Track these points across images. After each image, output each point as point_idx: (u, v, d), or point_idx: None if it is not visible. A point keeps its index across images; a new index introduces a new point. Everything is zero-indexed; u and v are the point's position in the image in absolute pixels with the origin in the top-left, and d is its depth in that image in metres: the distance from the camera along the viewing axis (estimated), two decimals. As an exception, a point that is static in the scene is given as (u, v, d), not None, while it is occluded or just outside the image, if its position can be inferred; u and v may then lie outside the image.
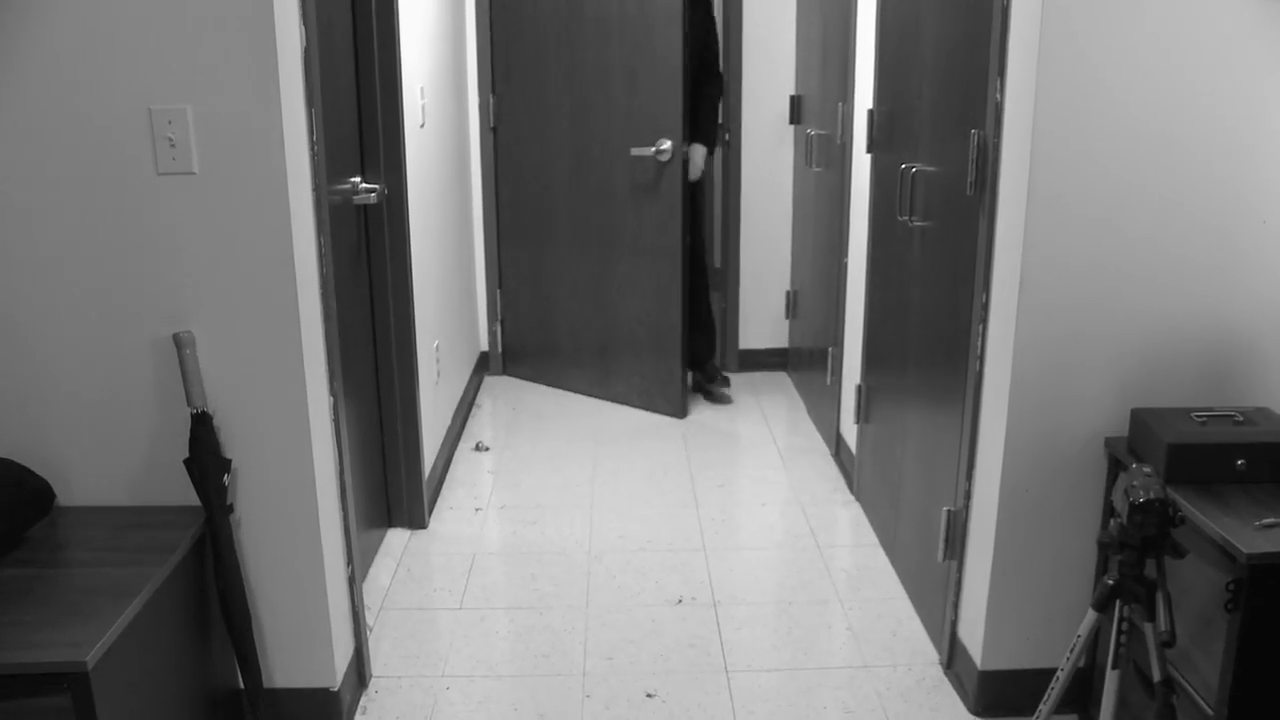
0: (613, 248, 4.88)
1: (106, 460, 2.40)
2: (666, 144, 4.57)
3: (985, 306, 2.58)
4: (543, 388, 5.30)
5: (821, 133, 4.51)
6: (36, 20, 2.16)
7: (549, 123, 4.98)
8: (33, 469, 2.33)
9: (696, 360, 5.14)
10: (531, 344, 5.35)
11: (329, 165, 2.60)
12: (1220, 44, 2.30)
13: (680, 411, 4.86)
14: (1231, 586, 2.03)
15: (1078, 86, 2.30)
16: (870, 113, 3.66)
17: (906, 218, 3.14)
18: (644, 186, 4.69)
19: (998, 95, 2.46)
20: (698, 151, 4.87)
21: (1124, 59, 2.30)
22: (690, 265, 4.88)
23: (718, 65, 5.00)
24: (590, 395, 5.14)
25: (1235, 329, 2.46)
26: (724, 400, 5.11)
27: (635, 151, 4.63)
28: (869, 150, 3.70)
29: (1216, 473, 2.26)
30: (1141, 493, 2.01)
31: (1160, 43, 2.29)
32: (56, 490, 2.38)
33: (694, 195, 4.93)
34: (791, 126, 5.17)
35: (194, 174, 2.25)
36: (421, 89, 3.86)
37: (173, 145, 2.22)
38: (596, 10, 4.66)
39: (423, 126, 3.88)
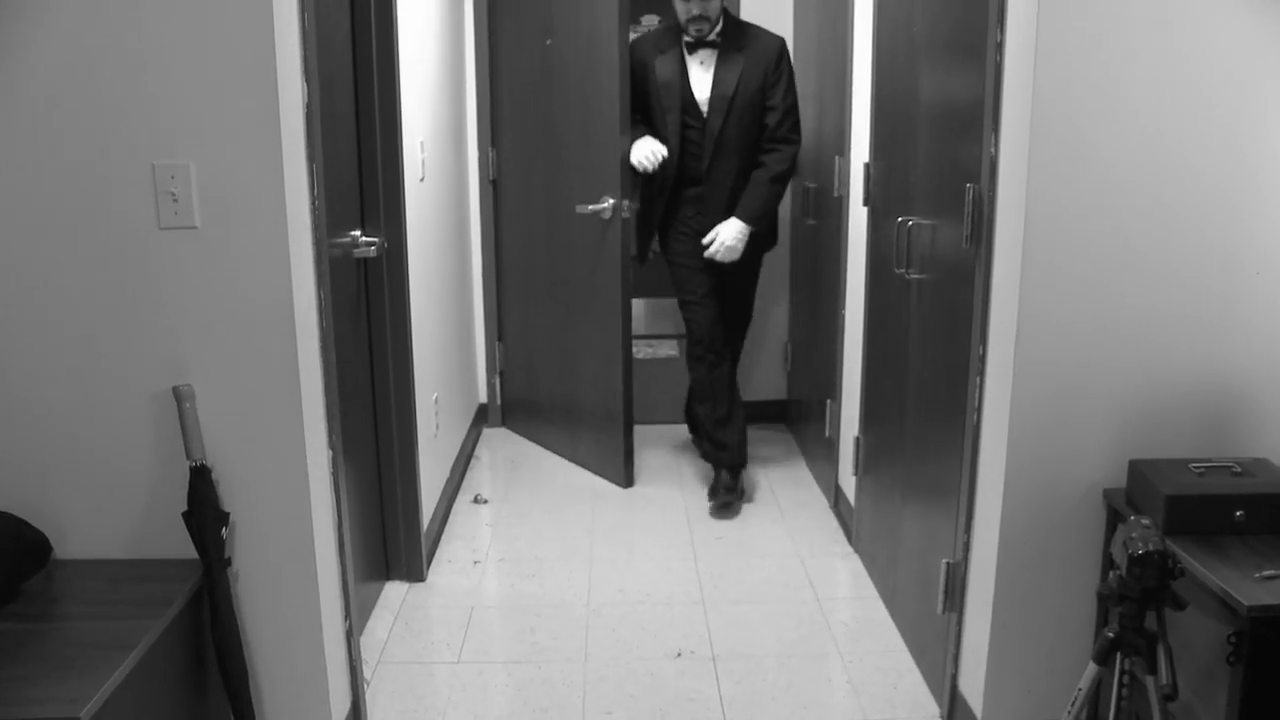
0: (573, 307, 4.79)
1: (104, 513, 2.39)
2: (608, 201, 4.39)
3: (982, 359, 2.59)
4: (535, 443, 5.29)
5: (818, 185, 4.54)
6: (41, 75, 2.19)
7: (533, 177, 4.97)
8: (30, 521, 2.32)
9: (716, 460, 4.53)
10: (523, 398, 5.34)
11: (329, 218, 2.62)
12: (1208, 106, 2.34)
13: (625, 481, 4.68)
14: (1233, 639, 2.03)
15: (1071, 144, 2.33)
16: (866, 166, 3.69)
17: (903, 271, 3.16)
18: (593, 246, 4.57)
19: (992, 150, 2.49)
20: (729, 229, 4.26)
21: (1115, 118, 2.33)
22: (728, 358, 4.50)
23: (784, 130, 4.30)
24: (560, 455, 5.07)
25: (1232, 380, 2.47)
26: (729, 514, 4.39)
27: (579, 209, 4.48)
28: (865, 204, 3.72)
29: (1215, 524, 2.26)
30: (1140, 545, 2.01)
31: (1150, 103, 2.33)
32: (53, 543, 2.37)
33: (740, 276, 4.45)
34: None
35: (196, 229, 2.26)
36: (422, 143, 3.89)
37: (175, 200, 2.24)
38: (561, 59, 4.62)
39: (423, 180, 3.91)
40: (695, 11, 4.19)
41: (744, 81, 4.23)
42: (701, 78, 4.30)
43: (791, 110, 4.31)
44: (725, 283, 4.43)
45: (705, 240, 4.30)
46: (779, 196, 4.40)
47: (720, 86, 4.25)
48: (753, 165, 4.31)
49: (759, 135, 4.29)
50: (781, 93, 4.27)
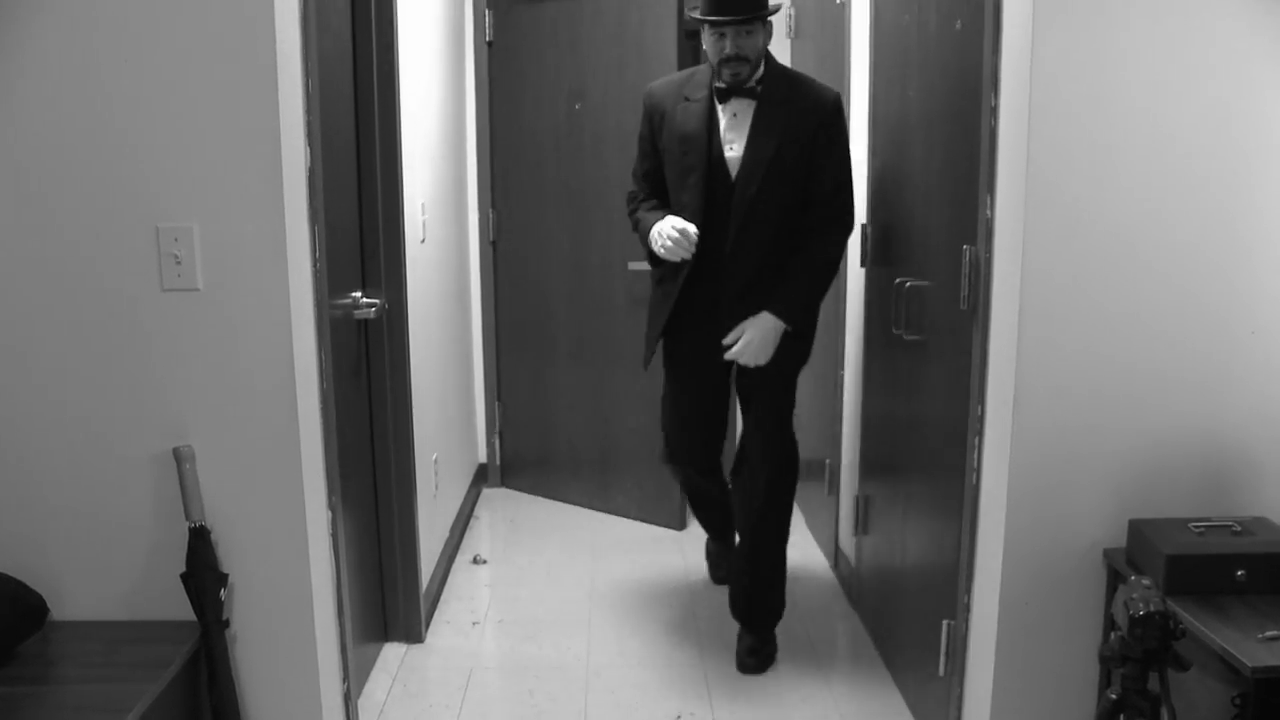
0: (611, 360, 4.90)
1: (102, 574, 2.39)
2: None
3: (980, 419, 2.60)
4: (541, 500, 5.28)
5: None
6: (46, 137, 2.22)
7: (549, 237, 5.05)
8: (27, 583, 2.32)
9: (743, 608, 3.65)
10: (530, 456, 5.36)
11: (330, 280, 2.64)
12: (1199, 172, 2.37)
13: (679, 523, 4.83)
14: (1238, 700, 2.02)
15: (1066, 207, 2.36)
16: (864, 227, 3.72)
17: (901, 331, 3.17)
18: (642, 299, 4.61)
19: (988, 212, 2.51)
20: (759, 325, 3.34)
21: (1109, 183, 2.36)
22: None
23: (837, 207, 3.39)
24: (590, 508, 5.12)
25: (1229, 439, 2.47)
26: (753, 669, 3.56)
27: (633, 265, 4.62)
28: (863, 264, 3.75)
29: (1216, 584, 2.26)
30: (1141, 605, 2.00)
31: (1143, 169, 2.36)
32: (50, 604, 2.36)
33: (763, 388, 3.52)
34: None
35: (198, 290, 2.28)
36: (423, 204, 3.92)
37: (178, 262, 2.26)
38: (595, 127, 4.75)
39: (423, 241, 3.94)
40: (729, 50, 3.28)
41: (787, 142, 3.30)
42: (734, 133, 3.37)
43: (846, 184, 3.39)
44: (750, 398, 3.62)
45: (727, 340, 3.39)
46: (825, 290, 3.45)
47: (757, 146, 3.31)
48: (784, 249, 3.39)
49: (797, 211, 3.37)
50: (836, 161, 3.36)
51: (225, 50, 2.21)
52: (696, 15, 3.35)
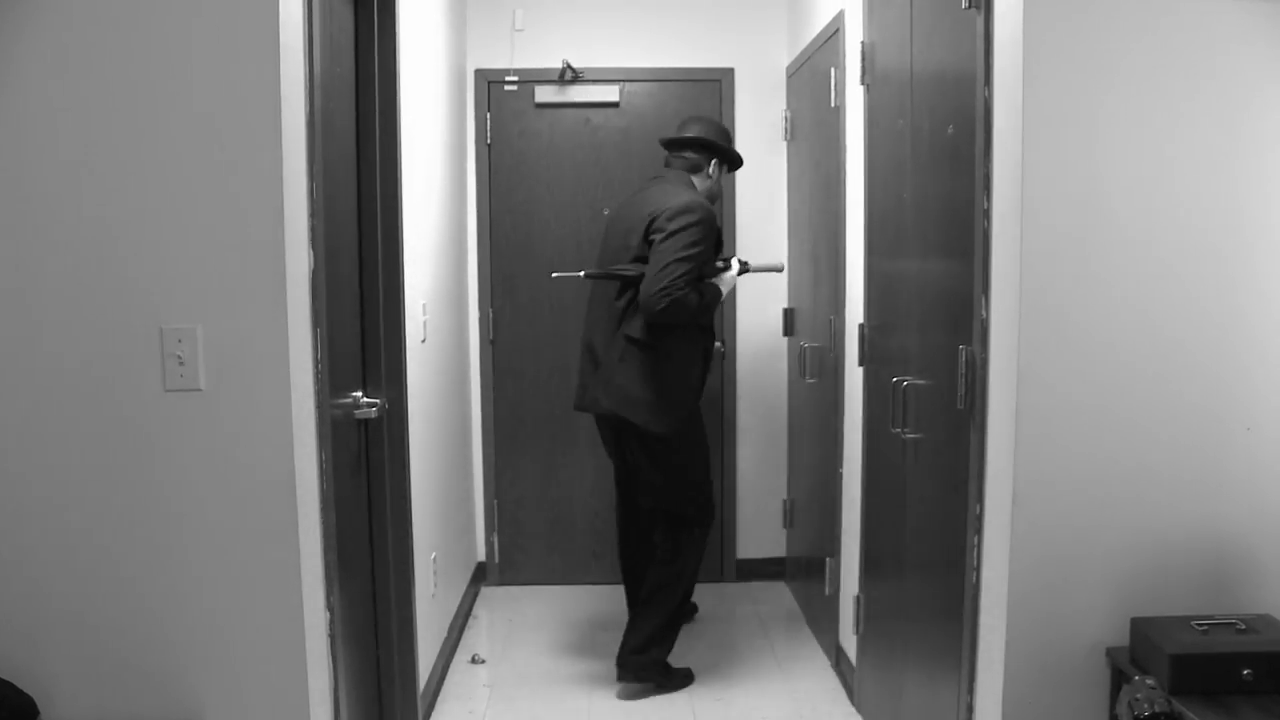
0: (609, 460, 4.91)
1: (93, 675, 2.36)
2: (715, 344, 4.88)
3: (980, 518, 2.60)
4: (541, 599, 5.23)
5: (815, 345, 4.60)
6: (53, 237, 2.25)
7: (546, 336, 5.17)
8: (18, 684, 2.29)
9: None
10: (536, 549, 5.42)
11: (331, 380, 2.65)
12: (1186, 272, 2.42)
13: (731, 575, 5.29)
14: (1245, 804, 1.99)
15: (1059, 307, 2.40)
16: (861, 326, 3.75)
17: (899, 430, 3.18)
18: None
19: (984, 313, 2.54)
20: None
21: (1102, 282, 2.41)
22: None
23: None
24: (606, 583, 5.22)
25: (1229, 534, 2.47)
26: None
27: None
28: (861, 363, 3.77)
29: (1222, 683, 2.24)
30: (1146, 706, 1.99)
31: (1133, 272, 2.42)
32: (41, 706, 2.33)
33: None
34: (785, 338, 5.28)
35: (200, 391, 2.30)
36: (424, 305, 3.96)
37: (181, 363, 2.28)
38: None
39: (424, 341, 3.97)
40: None
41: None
42: None
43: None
44: None
45: None
46: None
47: None
48: None
49: None
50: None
51: (232, 156, 2.26)
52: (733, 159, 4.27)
